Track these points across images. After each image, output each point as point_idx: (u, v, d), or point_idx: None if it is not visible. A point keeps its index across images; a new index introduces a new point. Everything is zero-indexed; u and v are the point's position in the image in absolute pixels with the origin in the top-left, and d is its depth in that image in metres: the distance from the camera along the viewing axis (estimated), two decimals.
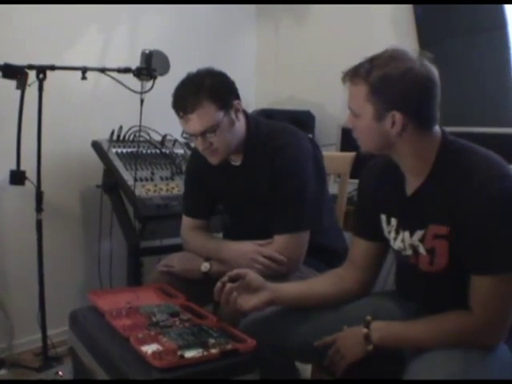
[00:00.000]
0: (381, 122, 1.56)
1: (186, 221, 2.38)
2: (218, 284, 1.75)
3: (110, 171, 2.96)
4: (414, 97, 1.53)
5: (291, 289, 1.85)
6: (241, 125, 2.18)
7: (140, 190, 2.86)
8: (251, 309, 1.78)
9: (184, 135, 2.23)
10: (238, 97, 2.17)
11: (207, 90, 2.07)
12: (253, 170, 2.21)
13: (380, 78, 1.53)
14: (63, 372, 2.58)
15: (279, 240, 2.13)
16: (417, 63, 1.53)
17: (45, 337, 2.65)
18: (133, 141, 3.10)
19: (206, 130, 2.08)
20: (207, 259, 2.20)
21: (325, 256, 2.24)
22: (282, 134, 2.21)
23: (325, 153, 2.34)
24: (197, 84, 2.08)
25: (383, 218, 1.77)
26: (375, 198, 1.80)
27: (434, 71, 1.55)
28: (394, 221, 1.72)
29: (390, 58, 1.54)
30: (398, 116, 1.53)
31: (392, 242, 1.75)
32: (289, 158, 2.14)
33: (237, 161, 2.24)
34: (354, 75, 1.58)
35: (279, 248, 2.12)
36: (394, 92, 1.53)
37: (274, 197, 2.15)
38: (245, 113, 2.22)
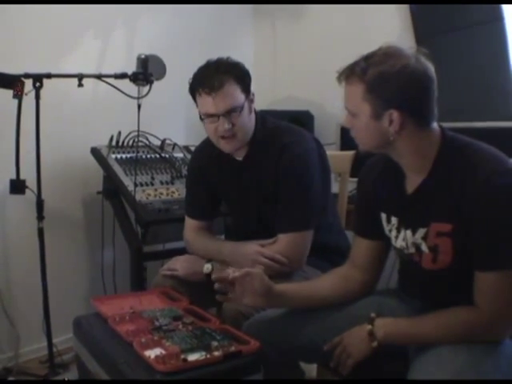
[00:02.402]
0: (379, 120, 1.55)
1: (189, 222, 2.38)
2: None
3: (109, 177, 2.96)
4: (410, 94, 1.52)
5: (294, 293, 1.81)
6: (253, 117, 2.19)
7: (140, 195, 2.86)
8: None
9: (202, 116, 2.14)
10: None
11: (235, 71, 2.10)
12: (256, 166, 2.21)
13: (376, 77, 1.51)
14: (70, 379, 2.59)
15: (283, 239, 2.13)
16: (412, 60, 1.51)
17: (50, 344, 2.66)
18: (132, 146, 3.09)
19: (232, 109, 2.07)
20: (209, 261, 2.20)
21: (328, 255, 2.24)
22: (288, 132, 2.22)
23: None
24: (224, 65, 2.10)
25: (383, 216, 1.75)
26: (375, 197, 1.78)
27: (430, 67, 1.53)
28: (394, 219, 1.71)
29: (384, 55, 1.53)
30: (395, 114, 1.52)
31: (393, 241, 1.74)
32: (295, 157, 2.14)
33: (240, 155, 2.24)
34: (349, 74, 1.57)
35: (283, 247, 2.11)
36: (390, 90, 1.51)
37: (278, 195, 2.15)
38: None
